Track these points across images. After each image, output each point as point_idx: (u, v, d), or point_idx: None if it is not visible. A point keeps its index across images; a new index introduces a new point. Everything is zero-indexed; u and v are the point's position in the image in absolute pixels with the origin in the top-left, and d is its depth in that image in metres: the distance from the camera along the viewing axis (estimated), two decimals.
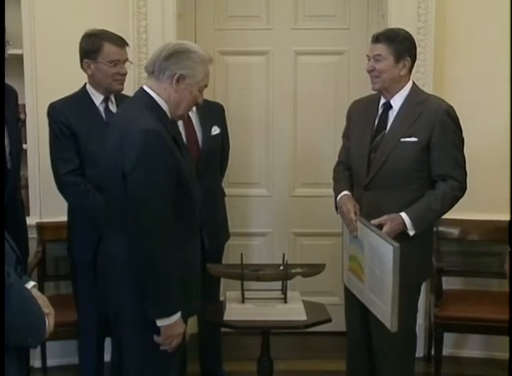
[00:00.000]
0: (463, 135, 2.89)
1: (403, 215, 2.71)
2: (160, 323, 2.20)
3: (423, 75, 3.72)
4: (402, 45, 2.77)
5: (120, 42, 2.99)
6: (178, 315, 2.22)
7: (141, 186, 2.16)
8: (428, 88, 3.68)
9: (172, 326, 2.22)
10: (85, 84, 3.07)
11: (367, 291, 2.69)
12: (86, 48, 2.97)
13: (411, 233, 2.71)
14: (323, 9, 4.07)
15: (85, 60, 2.98)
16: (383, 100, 2.87)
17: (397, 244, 2.44)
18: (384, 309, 2.54)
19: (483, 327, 3.40)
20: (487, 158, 3.71)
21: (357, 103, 3.02)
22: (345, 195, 2.87)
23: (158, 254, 2.17)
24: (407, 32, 2.86)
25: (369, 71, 2.81)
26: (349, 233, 2.82)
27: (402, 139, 2.76)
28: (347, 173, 2.97)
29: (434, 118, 2.76)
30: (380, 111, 2.87)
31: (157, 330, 2.22)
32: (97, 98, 3.03)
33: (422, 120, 2.77)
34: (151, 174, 2.16)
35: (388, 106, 2.85)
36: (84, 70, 3.03)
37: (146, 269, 2.18)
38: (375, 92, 2.91)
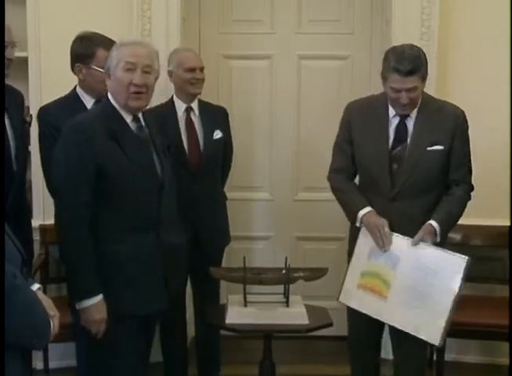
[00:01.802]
0: None
1: (434, 223, 2.71)
2: (76, 305, 2.33)
3: (427, 81, 3.71)
4: (425, 67, 2.71)
5: None
6: (91, 300, 2.30)
7: (54, 179, 2.43)
8: (431, 93, 3.68)
9: (86, 310, 2.31)
10: (75, 86, 3.01)
11: (394, 307, 2.66)
12: (78, 52, 2.92)
13: (438, 239, 2.71)
14: (327, 13, 4.08)
15: (77, 64, 2.93)
16: (392, 110, 2.80)
17: (468, 257, 2.58)
18: (430, 322, 2.57)
19: (485, 332, 3.39)
20: (489, 163, 3.71)
21: (357, 108, 2.90)
22: (371, 211, 2.76)
23: (68, 243, 2.32)
24: (421, 49, 2.78)
25: (404, 104, 2.71)
26: (379, 247, 2.71)
27: (429, 148, 2.75)
28: (353, 184, 2.91)
29: (455, 125, 2.79)
30: (395, 120, 2.80)
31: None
32: (88, 102, 2.96)
33: (443, 127, 2.77)
34: (61, 167, 2.36)
35: (404, 115, 2.79)
36: (74, 74, 2.97)
37: (61, 254, 2.40)
38: (371, 94, 2.94)
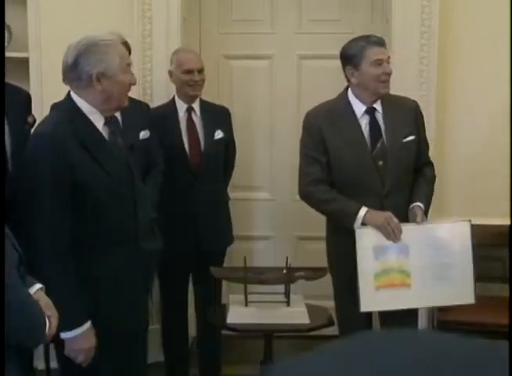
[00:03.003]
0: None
1: (421, 205, 2.81)
2: (62, 335, 2.12)
3: (427, 80, 3.73)
4: None
5: (127, 48, 2.99)
6: (80, 329, 2.13)
7: (23, 192, 2.18)
8: (432, 93, 3.71)
9: (74, 340, 2.13)
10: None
11: (421, 291, 2.72)
12: None
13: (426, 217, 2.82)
14: (327, 13, 4.07)
15: None
16: (361, 107, 2.83)
17: (469, 219, 2.76)
18: (461, 287, 2.75)
19: (486, 331, 3.39)
20: (488, 162, 3.72)
21: (321, 115, 2.89)
22: (369, 209, 2.74)
23: (47, 267, 2.10)
24: None
25: (389, 74, 2.80)
26: (392, 240, 2.71)
27: (404, 140, 2.83)
28: (336, 192, 2.85)
29: (415, 115, 2.92)
30: (365, 118, 2.83)
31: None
32: None
33: (408, 118, 2.89)
34: (31, 179, 2.15)
35: (373, 111, 2.84)
36: None
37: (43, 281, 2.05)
38: (326, 101, 2.95)
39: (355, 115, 2.83)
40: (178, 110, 3.36)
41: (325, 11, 4.07)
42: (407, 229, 2.73)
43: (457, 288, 2.77)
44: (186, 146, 3.30)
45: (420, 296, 2.75)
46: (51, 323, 1.76)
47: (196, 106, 3.38)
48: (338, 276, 2.89)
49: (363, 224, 2.74)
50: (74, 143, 2.14)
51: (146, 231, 2.34)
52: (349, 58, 2.81)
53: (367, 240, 2.73)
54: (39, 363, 3.63)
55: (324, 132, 2.83)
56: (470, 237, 2.77)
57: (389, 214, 2.72)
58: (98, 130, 2.23)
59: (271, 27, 4.12)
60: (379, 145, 2.81)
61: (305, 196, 2.92)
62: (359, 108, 2.83)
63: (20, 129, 2.75)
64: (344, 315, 2.90)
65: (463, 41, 3.74)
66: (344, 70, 2.86)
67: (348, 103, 2.85)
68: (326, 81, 4.05)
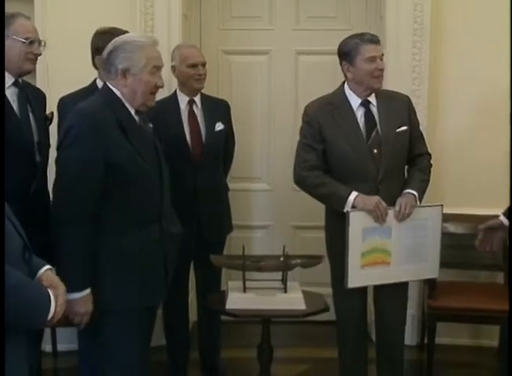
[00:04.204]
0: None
1: (414, 192, 2.88)
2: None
3: (419, 75, 3.74)
4: None
5: None
6: (79, 294, 2.21)
7: (60, 162, 2.25)
8: (424, 88, 3.71)
9: (73, 302, 2.19)
10: (95, 79, 3.08)
11: (399, 267, 2.87)
12: (99, 46, 2.94)
13: (418, 204, 2.90)
14: (324, 10, 4.08)
15: (97, 57, 2.97)
16: (356, 100, 2.90)
17: (441, 204, 2.92)
18: (428, 264, 2.93)
19: (473, 316, 3.42)
20: (481, 154, 3.73)
21: (320, 108, 2.95)
22: (359, 193, 2.81)
23: (67, 237, 2.19)
24: None
25: (381, 70, 2.87)
26: (379, 222, 2.81)
27: (398, 130, 2.90)
28: (328, 177, 2.91)
29: (406, 106, 2.99)
30: (360, 110, 2.91)
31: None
32: None
33: (401, 110, 2.96)
34: (71, 152, 2.21)
35: (367, 104, 2.91)
36: (95, 67, 3.05)
37: (56, 244, 2.22)
38: (324, 95, 3.01)
39: (351, 107, 2.91)
40: (180, 103, 3.36)
41: (321, 8, 4.08)
42: (390, 212, 2.83)
43: (426, 265, 2.95)
44: (188, 137, 3.31)
45: (396, 272, 2.89)
46: (57, 301, 1.75)
47: (197, 99, 3.38)
48: (337, 258, 2.92)
49: (353, 207, 2.80)
50: (113, 123, 2.25)
51: (169, 214, 2.43)
52: (345, 54, 2.89)
53: (358, 222, 2.80)
54: (46, 346, 3.66)
55: (322, 123, 2.91)
56: (441, 220, 2.92)
57: (378, 198, 2.80)
58: (132, 115, 2.35)
59: (269, 24, 4.12)
60: (373, 134, 2.88)
61: (299, 180, 2.98)
62: (355, 101, 2.91)
63: (42, 124, 2.81)
64: (341, 293, 2.96)
65: (455, 38, 3.75)
66: (341, 66, 2.93)
67: (345, 96, 2.93)
68: (322, 76, 4.07)
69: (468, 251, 3.64)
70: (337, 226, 2.90)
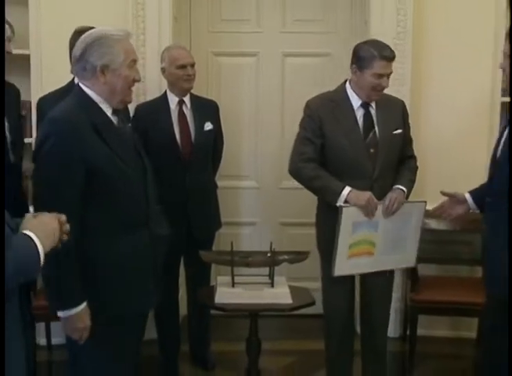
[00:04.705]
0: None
1: (403, 188, 2.95)
2: (59, 314, 2.11)
3: (402, 76, 3.78)
4: None
5: None
6: (75, 309, 2.08)
7: (39, 172, 2.10)
8: (406, 89, 3.76)
9: (69, 319, 2.09)
10: (73, 78, 2.94)
11: (381, 257, 2.96)
12: None
13: (406, 199, 2.97)
14: (310, 13, 4.12)
15: None
16: (357, 100, 2.94)
17: (424, 200, 2.99)
18: (407, 255, 3.03)
19: (453, 309, 3.48)
20: (462, 154, 3.78)
21: (321, 104, 2.98)
22: (352, 189, 2.85)
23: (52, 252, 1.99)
24: None
25: (384, 87, 2.89)
26: (369, 217, 2.86)
27: (393, 133, 2.97)
28: (324, 170, 2.94)
29: (402, 112, 3.08)
30: (360, 111, 2.95)
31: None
32: None
33: (397, 114, 3.03)
34: (47, 162, 2.06)
35: (367, 106, 2.95)
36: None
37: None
38: (325, 91, 3.06)
39: (351, 107, 2.95)
40: (170, 103, 3.38)
41: (307, 11, 4.12)
42: (379, 207, 2.89)
43: (405, 255, 3.04)
44: (178, 137, 3.34)
45: (378, 262, 2.97)
46: (56, 235, 1.72)
47: (186, 99, 3.41)
48: (328, 251, 2.95)
49: (346, 201, 2.85)
50: (88, 128, 2.09)
51: (156, 216, 2.30)
52: (358, 59, 2.89)
53: (350, 216, 2.85)
54: (41, 339, 3.68)
55: (323, 118, 2.93)
56: (423, 215, 3.00)
57: (370, 194, 2.85)
58: (109, 117, 2.19)
59: (257, 26, 4.16)
60: (371, 135, 2.93)
61: (295, 171, 2.99)
62: (356, 101, 2.95)
63: (17, 124, 2.76)
64: (331, 286, 3.03)
65: (436, 42, 3.80)
66: (351, 64, 2.94)
67: (346, 95, 2.96)
68: (308, 78, 4.11)
69: (449, 247, 3.72)
70: (328, 221, 2.94)
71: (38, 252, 1.64)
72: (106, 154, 2.11)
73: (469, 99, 3.80)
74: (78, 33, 2.86)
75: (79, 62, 2.16)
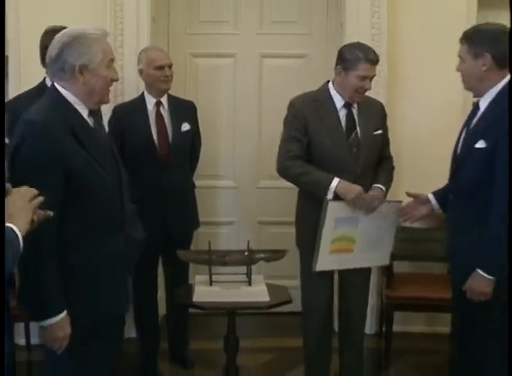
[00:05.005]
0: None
1: (382, 187, 3.01)
2: (38, 324, 2.07)
3: (378, 78, 3.79)
4: None
5: None
6: (55, 318, 2.03)
7: (15, 178, 1.94)
8: (383, 90, 3.80)
9: (49, 328, 2.04)
10: (44, 78, 2.95)
11: (360, 254, 2.99)
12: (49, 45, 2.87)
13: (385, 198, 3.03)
14: (287, 15, 4.14)
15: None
16: (340, 100, 2.98)
17: (401, 200, 3.02)
18: (383, 253, 3.07)
19: (428, 305, 3.53)
20: (437, 154, 3.82)
21: (305, 104, 3.00)
22: (341, 180, 2.87)
23: (30, 259, 1.94)
24: None
25: (366, 90, 2.95)
26: (355, 211, 2.90)
27: (374, 133, 3.02)
28: (311, 166, 2.96)
29: (382, 113, 3.14)
30: (343, 111, 2.98)
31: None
32: None
33: (376, 116, 3.08)
34: (24, 164, 1.99)
35: (349, 107, 2.99)
36: (44, 66, 2.79)
37: (21, 271, 2.02)
38: (308, 91, 3.09)
39: (335, 106, 2.98)
40: (148, 104, 3.38)
41: (284, 13, 4.14)
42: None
43: (381, 253, 3.07)
44: (155, 137, 3.34)
45: (357, 259, 3.01)
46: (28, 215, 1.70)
47: (164, 100, 3.41)
48: (308, 248, 2.98)
49: (335, 194, 2.87)
50: (64, 130, 2.04)
51: (131, 219, 2.27)
52: (343, 60, 2.93)
53: (334, 212, 2.87)
54: (20, 339, 3.65)
55: (308, 117, 2.96)
56: (398, 215, 3.01)
57: (360, 188, 2.88)
58: (84, 119, 2.14)
59: (235, 28, 4.17)
60: (353, 135, 2.97)
61: (283, 169, 3.00)
62: (339, 101, 2.99)
63: None
64: (310, 283, 3.06)
65: (410, 43, 3.86)
66: (335, 66, 2.98)
67: (329, 95, 3.00)
68: (285, 78, 4.14)
69: (423, 245, 3.76)
70: (309, 219, 2.97)
71: (19, 241, 1.64)
72: (82, 157, 2.06)
73: (443, 99, 3.85)
74: (51, 32, 2.77)
75: (55, 62, 2.10)
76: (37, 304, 2.04)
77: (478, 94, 2.57)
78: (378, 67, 3.73)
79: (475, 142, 2.46)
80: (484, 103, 2.51)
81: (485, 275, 2.41)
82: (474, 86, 2.56)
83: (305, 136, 2.97)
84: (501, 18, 3.96)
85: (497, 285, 2.41)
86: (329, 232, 2.89)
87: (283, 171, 3.01)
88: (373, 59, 2.90)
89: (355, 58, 2.88)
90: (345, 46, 2.99)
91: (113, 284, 2.18)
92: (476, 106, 2.58)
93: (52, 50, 2.11)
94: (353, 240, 2.97)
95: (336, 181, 2.86)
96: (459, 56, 2.59)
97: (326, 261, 2.94)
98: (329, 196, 2.86)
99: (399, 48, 3.86)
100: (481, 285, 2.42)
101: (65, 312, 2.06)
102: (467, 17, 3.79)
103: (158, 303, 3.58)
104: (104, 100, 2.21)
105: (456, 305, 2.72)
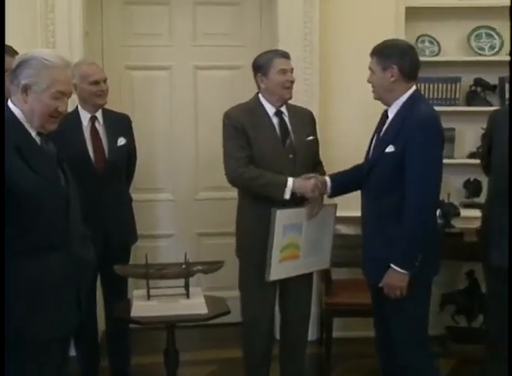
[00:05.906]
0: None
1: (327, 178, 2.99)
2: None
3: (311, 87, 3.88)
4: None
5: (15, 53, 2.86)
6: None
7: None
8: (315, 99, 3.85)
9: None
10: None
11: (304, 260, 3.02)
12: None
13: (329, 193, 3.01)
14: (220, 27, 4.15)
15: None
16: (271, 109, 3.03)
17: (335, 203, 3.10)
18: (323, 257, 3.11)
19: (367, 311, 3.54)
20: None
21: (241, 114, 3.02)
22: (295, 179, 2.90)
23: None
24: None
25: (292, 82, 3.02)
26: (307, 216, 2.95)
27: (307, 139, 3.08)
28: (262, 169, 2.95)
29: (312, 120, 3.20)
30: (275, 119, 3.04)
31: None
32: None
33: (307, 122, 3.15)
34: None
35: (280, 114, 3.05)
36: None
37: None
38: (241, 103, 3.12)
39: (268, 115, 3.03)
40: (82, 120, 3.30)
41: (217, 25, 4.15)
42: (303, 210, 2.94)
43: (322, 257, 3.12)
44: (91, 153, 3.26)
45: (303, 264, 3.03)
46: None
47: (99, 115, 3.34)
48: (249, 259, 3.03)
49: (293, 193, 2.89)
50: (11, 148, 2.05)
51: (79, 237, 2.25)
52: (259, 67, 3.02)
53: (282, 219, 2.87)
54: None
55: (246, 127, 2.99)
56: (334, 218, 3.11)
57: (314, 182, 2.90)
58: (31, 136, 2.15)
59: (169, 40, 4.15)
60: (288, 142, 3.02)
61: (236, 177, 2.98)
62: (270, 109, 3.04)
63: None
64: (251, 295, 3.06)
65: (341, 53, 3.95)
66: (255, 77, 3.06)
67: (261, 104, 3.05)
68: (219, 90, 4.14)
69: (359, 251, 3.79)
70: (251, 228, 2.99)
71: None
72: (27, 175, 2.07)
73: (377, 107, 3.89)
74: None
75: (12, 75, 2.16)
76: None
77: (387, 103, 2.74)
78: (310, 77, 3.85)
79: (385, 148, 2.62)
80: (391, 113, 2.69)
81: (400, 270, 2.55)
82: (383, 96, 2.72)
83: (248, 144, 2.98)
84: (431, 30, 4.10)
85: (411, 280, 2.56)
86: (278, 241, 2.89)
87: (237, 178, 2.98)
88: (283, 53, 3.03)
89: (268, 59, 3.00)
90: (255, 58, 3.08)
91: (56, 300, 2.14)
92: (385, 115, 2.74)
93: (14, 63, 2.17)
94: (298, 247, 2.99)
95: (291, 180, 2.89)
96: (370, 69, 2.73)
97: (278, 270, 2.94)
98: (287, 196, 2.89)
99: (331, 58, 3.94)
100: (397, 280, 2.57)
101: None
102: (396, 29, 3.90)
103: (97, 320, 3.50)
104: (47, 127, 2.19)
105: (375, 305, 2.86)
